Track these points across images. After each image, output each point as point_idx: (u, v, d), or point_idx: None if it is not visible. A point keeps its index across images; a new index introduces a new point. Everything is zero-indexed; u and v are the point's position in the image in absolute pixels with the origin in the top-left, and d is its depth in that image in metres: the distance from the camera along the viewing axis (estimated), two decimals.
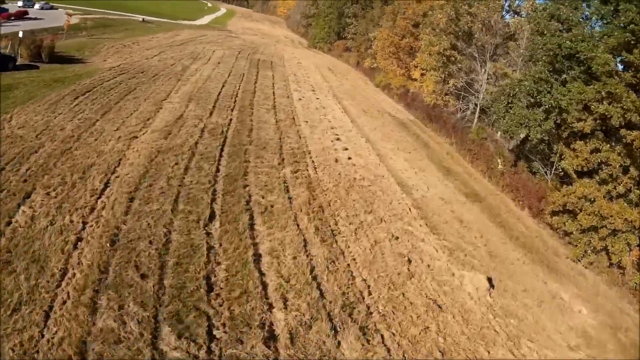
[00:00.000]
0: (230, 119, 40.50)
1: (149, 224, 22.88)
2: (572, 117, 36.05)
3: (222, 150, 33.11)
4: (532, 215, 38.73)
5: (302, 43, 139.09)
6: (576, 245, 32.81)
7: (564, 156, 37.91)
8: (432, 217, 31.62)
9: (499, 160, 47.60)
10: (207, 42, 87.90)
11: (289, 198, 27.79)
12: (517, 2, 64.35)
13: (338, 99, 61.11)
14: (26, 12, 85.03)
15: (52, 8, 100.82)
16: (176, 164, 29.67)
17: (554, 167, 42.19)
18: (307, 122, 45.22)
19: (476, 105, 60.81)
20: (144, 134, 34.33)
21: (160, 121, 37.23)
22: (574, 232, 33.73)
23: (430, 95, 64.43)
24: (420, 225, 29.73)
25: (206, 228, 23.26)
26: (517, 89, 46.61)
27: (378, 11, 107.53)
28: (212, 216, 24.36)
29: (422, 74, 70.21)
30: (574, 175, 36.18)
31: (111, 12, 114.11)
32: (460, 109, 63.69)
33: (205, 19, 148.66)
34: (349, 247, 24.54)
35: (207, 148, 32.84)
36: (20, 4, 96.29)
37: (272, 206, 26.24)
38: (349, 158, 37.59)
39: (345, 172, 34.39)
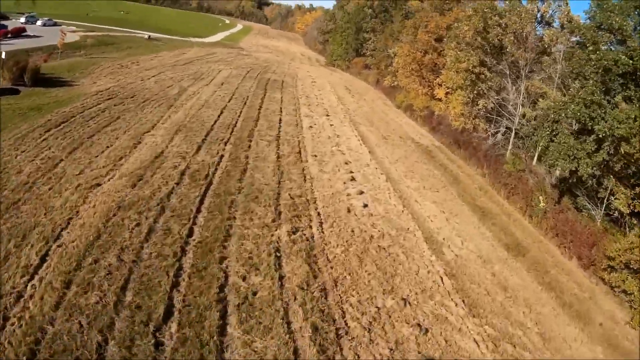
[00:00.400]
0: (221, 156, 33.65)
1: (81, 326, 16.30)
2: (632, 147, 28.81)
3: (201, 202, 26.18)
4: (582, 266, 31.23)
5: (319, 60, 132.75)
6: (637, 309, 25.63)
7: (617, 194, 30.82)
8: (469, 289, 24.22)
9: (540, 198, 39.91)
10: (214, 61, 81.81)
11: (280, 278, 20.58)
12: (550, 11, 56.04)
13: (355, 124, 54.18)
14: (23, 30, 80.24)
15: (55, 25, 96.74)
16: (137, 225, 22.86)
17: (604, 204, 34.75)
18: (315, 156, 38.13)
19: (509, 129, 53.41)
20: (109, 179, 27.67)
21: (134, 161, 30.52)
22: (635, 293, 26.41)
23: (457, 118, 57.15)
24: (455, 305, 22.37)
25: (157, 335, 16.32)
26: (562, 114, 39.37)
27: (398, 25, 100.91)
28: (168, 314, 17.42)
29: (447, 94, 63.13)
30: (631, 218, 28.96)
31: (118, 29, 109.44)
32: (492, 134, 56.27)
33: (218, 36, 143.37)
34: (359, 357, 17.25)
35: (182, 200, 25.92)
36: (22, 20, 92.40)
37: (254, 294, 19.11)
38: (365, 205, 30.33)
39: (360, 227, 27.14)
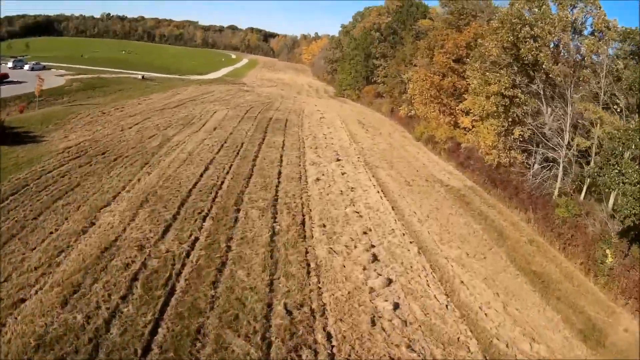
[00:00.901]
0: (194, 241, 24.84)
1: None
2: None
3: (153, 333, 17.31)
4: None
5: (328, 91, 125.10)
6: None
7: None
8: None
9: (607, 252, 30.63)
10: (210, 101, 74.16)
11: None
12: (582, 17, 46.49)
13: (372, 168, 45.63)
14: (5, 76, 74.69)
15: (43, 69, 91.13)
16: None
17: None
18: (324, 226, 29.19)
19: (553, 161, 44.63)
20: (37, 291, 19.41)
21: (75, 259, 22.16)
22: None
23: (489, 151, 48.35)
24: None
25: None
26: (632, 145, 30.89)
27: (410, 47, 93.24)
28: None
29: (474, 122, 54.69)
30: None
31: (113, 69, 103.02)
32: (530, 168, 47.52)
33: (221, 72, 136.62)
34: None
35: (125, 331, 17.19)
36: (10, 64, 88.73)
37: None
38: (396, 306, 21.28)
39: (391, 353, 18.05)
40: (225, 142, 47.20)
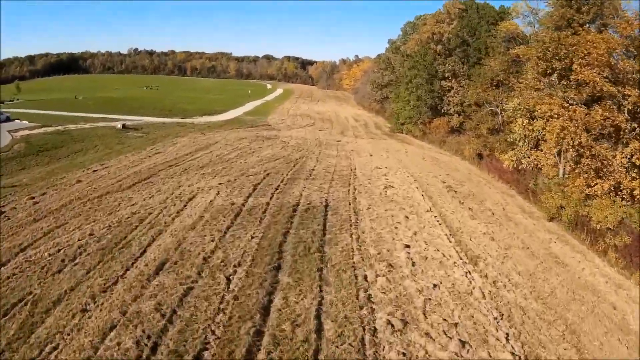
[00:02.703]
0: None
1: None
2: None
3: None
4: None
5: (380, 125, 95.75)
6: None
7: None
8: None
9: None
10: (199, 166, 45.35)
11: None
12: None
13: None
14: None
15: (7, 120, 70.76)
16: None
17: None
18: None
19: None
20: None
21: None
22: None
23: None
24: None
25: None
26: None
27: (500, 61, 63.85)
28: None
29: None
30: None
31: (94, 116, 76.40)
32: None
33: (242, 109, 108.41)
34: None
35: None
36: None
37: None
38: None
39: None
40: (162, 338, 17.59)
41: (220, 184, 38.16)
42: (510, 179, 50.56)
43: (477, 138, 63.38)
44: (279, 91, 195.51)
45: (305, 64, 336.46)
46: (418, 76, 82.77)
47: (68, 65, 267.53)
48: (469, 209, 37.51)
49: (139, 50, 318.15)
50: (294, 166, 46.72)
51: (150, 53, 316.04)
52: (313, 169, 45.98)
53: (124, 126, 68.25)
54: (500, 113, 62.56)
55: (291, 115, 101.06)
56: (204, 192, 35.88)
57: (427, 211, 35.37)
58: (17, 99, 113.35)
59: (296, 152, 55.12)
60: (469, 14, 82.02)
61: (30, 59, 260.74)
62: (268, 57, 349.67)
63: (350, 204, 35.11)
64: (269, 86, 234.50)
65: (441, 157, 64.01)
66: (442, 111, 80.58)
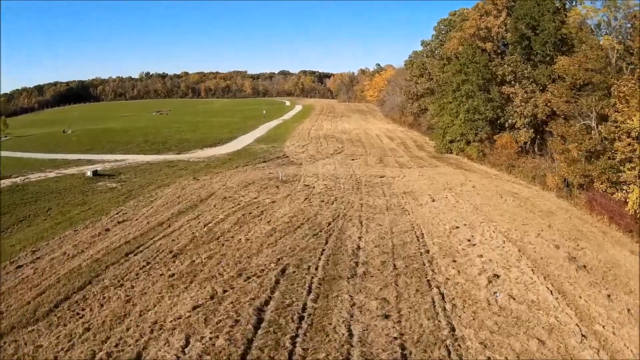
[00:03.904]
0: None
1: None
2: None
3: None
4: None
5: (420, 143, 77.30)
6: None
7: None
8: None
9: None
10: (179, 249, 27.02)
11: None
12: None
13: None
14: None
15: None
16: None
17: None
18: None
19: None
20: None
21: None
22: None
23: None
24: None
25: None
26: None
27: (591, 56, 45.73)
28: None
29: None
30: None
31: (69, 158, 59.43)
32: None
33: (254, 134, 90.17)
34: None
35: None
36: None
37: None
38: None
39: None
40: None
41: (195, 308, 19.92)
42: (633, 225, 32.57)
43: (570, 164, 44.47)
44: (298, 108, 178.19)
45: (322, 77, 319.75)
46: (468, 82, 64.35)
47: (78, 93, 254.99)
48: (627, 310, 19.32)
49: (150, 74, 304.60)
50: (327, 242, 28.16)
51: (163, 76, 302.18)
52: (359, 248, 27.38)
53: (95, 173, 50.81)
54: (597, 127, 43.88)
55: (313, 138, 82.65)
56: (161, 340, 17.72)
57: (580, 339, 17.18)
58: (5, 136, 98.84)
59: (327, 206, 36.56)
60: (523, 3, 63.19)
61: (39, 89, 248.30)
62: (284, 73, 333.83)
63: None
64: (287, 103, 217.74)
65: (521, 191, 45.42)
66: (505, 125, 62.05)
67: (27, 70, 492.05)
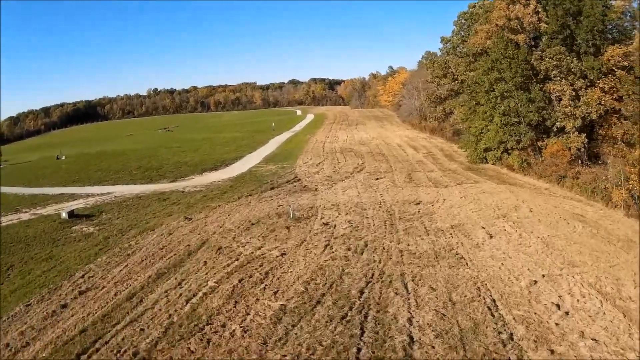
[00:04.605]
0: None
1: None
2: None
3: None
4: None
5: (448, 152, 67.87)
6: None
7: None
8: None
9: None
10: (145, 351, 17.89)
11: None
12: None
13: None
14: None
15: None
16: None
17: None
18: None
19: None
20: None
21: None
22: None
23: None
24: None
25: None
26: None
27: None
28: None
29: None
30: None
31: (52, 192, 51.30)
32: None
33: (262, 151, 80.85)
34: None
35: None
36: None
37: None
38: None
39: None
40: None
41: None
42: None
43: None
44: (310, 117, 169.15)
45: (333, 84, 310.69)
46: (503, 80, 54.93)
47: (86, 113, 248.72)
48: None
49: (159, 90, 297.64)
50: (362, 332, 18.63)
51: (171, 92, 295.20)
52: (412, 341, 17.85)
53: (71, 214, 42.11)
54: None
55: (329, 153, 73.23)
56: None
57: None
58: (2, 165, 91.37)
59: (355, 258, 26.95)
60: None
61: (45, 110, 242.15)
62: (294, 82, 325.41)
63: None
64: (299, 112, 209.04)
65: (585, 212, 36.17)
66: (553, 129, 52.43)
67: (33, 92, 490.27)
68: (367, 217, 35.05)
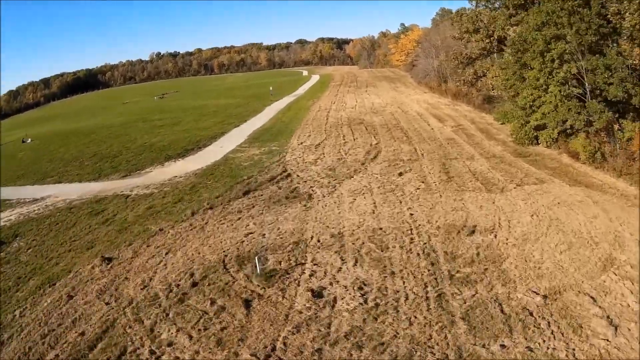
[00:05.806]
0: None
1: None
2: None
3: None
4: None
5: (483, 126, 51.83)
6: None
7: None
8: None
9: None
10: None
11: None
12: None
13: None
14: None
15: None
16: None
17: None
18: None
19: None
20: None
21: None
22: None
23: None
24: None
25: None
26: None
27: None
28: None
29: None
30: None
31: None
32: None
33: (252, 124, 64.88)
34: None
35: None
36: None
37: None
38: None
39: None
40: None
41: None
42: None
43: None
44: (315, 78, 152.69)
45: (341, 43, 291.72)
46: (563, 39, 38.90)
47: (86, 82, 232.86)
48: None
49: (162, 54, 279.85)
50: None
51: (174, 55, 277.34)
52: None
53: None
54: None
55: (333, 127, 57.49)
56: None
57: None
58: None
59: None
60: None
61: (45, 82, 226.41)
62: (301, 42, 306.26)
63: None
64: (305, 73, 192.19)
65: None
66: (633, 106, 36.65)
67: (33, 64, 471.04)
68: (394, 273, 19.71)
